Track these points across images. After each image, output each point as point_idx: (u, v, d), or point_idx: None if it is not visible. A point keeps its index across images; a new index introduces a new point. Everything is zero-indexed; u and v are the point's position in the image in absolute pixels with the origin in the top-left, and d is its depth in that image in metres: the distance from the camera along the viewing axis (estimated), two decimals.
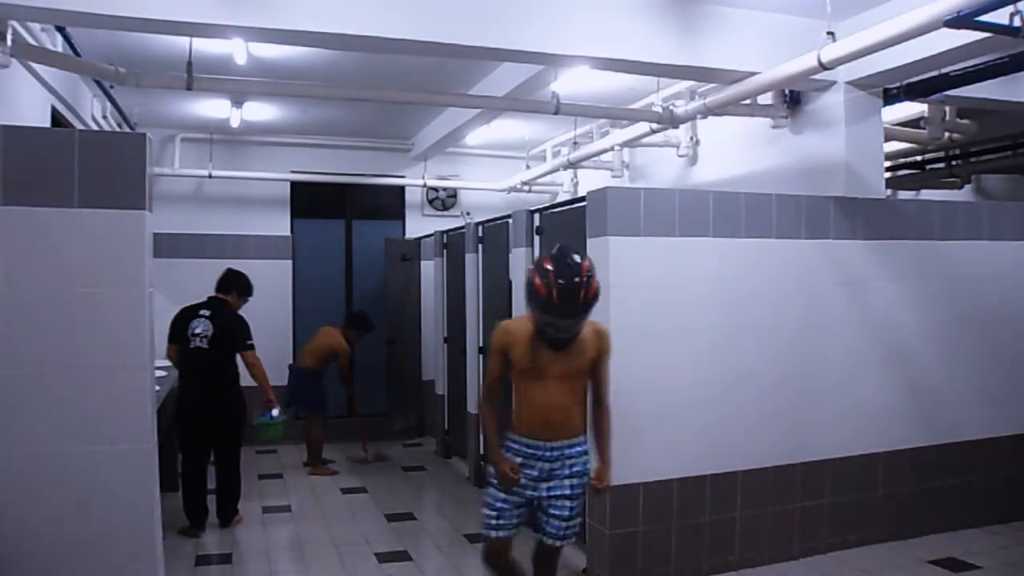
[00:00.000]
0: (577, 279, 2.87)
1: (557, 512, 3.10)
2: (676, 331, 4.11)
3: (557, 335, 2.97)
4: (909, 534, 4.69)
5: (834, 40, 3.70)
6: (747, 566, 4.28)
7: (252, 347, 5.11)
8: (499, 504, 3.10)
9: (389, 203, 8.40)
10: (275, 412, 5.47)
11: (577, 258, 2.94)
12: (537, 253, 5.05)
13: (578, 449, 3.14)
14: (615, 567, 4.00)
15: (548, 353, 3.02)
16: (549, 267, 2.90)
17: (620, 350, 3.95)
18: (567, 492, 3.10)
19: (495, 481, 3.12)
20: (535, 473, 3.09)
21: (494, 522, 3.10)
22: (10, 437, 2.90)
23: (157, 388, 3.59)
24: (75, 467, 2.97)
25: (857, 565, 4.34)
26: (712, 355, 4.20)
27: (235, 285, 5.31)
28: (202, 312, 5.05)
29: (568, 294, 2.86)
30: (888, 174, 6.21)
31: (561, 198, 7.63)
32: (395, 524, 5.22)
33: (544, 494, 3.09)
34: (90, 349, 2.98)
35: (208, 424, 4.99)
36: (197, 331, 4.98)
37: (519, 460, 3.09)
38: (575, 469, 3.12)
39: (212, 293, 5.24)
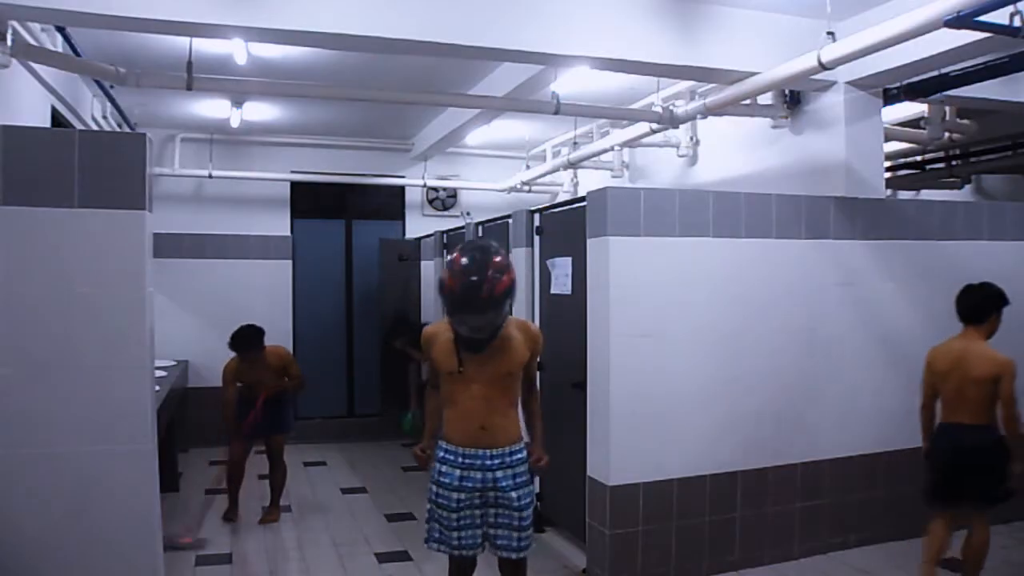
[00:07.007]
0: (477, 276, 2.69)
1: (506, 522, 2.94)
2: (676, 331, 4.11)
3: (471, 335, 2.80)
4: (909, 534, 4.67)
5: (834, 40, 3.70)
6: (747, 566, 4.28)
7: None
8: (438, 518, 2.97)
9: (389, 203, 8.39)
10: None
11: (485, 253, 2.76)
12: (538, 253, 5.05)
13: (519, 456, 2.98)
14: (615, 567, 4.00)
15: (472, 356, 2.86)
16: (455, 261, 2.75)
17: (620, 350, 3.99)
18: (515, 504, 2.92)
19: (435, 497, 2.98)
20: (478, 484, 2.91)
21: (437, 535, 2.99)
22: (10, 437, 2.89)
23: (157, 388, 3.59)
24: (75, 467, 2.96)
25: (857, 565, 4.34)
26: (712, 355, 4.20)
27: None
28: None
29: (468, 289, 2.69)
30: (888, 174, 6.21)
31: (561, 198, 7.62)
32: (395, 524, 5.22)
33: (491, 506, 2.94)
34: (90, 349, 2.97)
35: None
36: None
37: (457, 472, 2.91)
38: (520, 479, 2.95)
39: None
